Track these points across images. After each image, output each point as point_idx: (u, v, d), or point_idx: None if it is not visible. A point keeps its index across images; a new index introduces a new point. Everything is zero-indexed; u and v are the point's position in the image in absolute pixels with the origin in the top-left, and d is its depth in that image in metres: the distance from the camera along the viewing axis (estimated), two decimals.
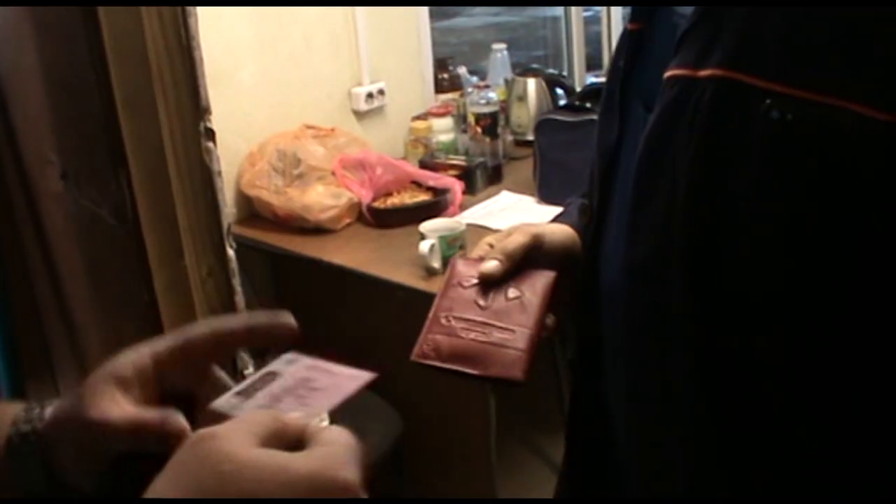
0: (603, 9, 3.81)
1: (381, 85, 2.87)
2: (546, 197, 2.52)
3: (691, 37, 0.84)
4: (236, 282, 1.16)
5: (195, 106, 1.16)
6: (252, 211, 2.58)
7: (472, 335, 0.96)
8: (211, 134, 1.18)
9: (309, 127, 2.65)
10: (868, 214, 0.74)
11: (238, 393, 0.64)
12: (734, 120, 0.78)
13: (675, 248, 0.83)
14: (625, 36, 1.00)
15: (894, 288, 0.76)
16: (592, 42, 3.92)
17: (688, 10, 0.87)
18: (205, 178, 1.16)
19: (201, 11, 1.03)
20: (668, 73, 0.86)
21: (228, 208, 2.42)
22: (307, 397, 0.63)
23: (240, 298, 1.11)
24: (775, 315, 0.80)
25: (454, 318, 0.98)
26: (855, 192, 0.74)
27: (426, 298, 2.07)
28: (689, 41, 0.84)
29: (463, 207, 2.54)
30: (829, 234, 0.76)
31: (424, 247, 2.14)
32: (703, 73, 0.81)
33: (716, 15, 0.82)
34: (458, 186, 2.54)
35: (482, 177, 2.69)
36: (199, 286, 1.17)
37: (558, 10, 3.90)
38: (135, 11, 1.02)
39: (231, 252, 1.12)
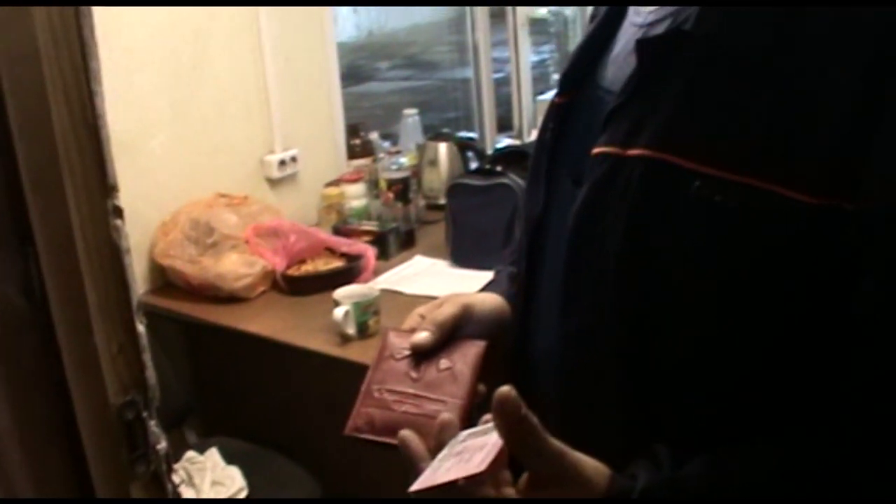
0: (513, 71, 3.90)
1: (293, 152, 2.90)
2: (459, 260, 2.56)
3: (620, 114, 0.88)
4: (147, 357, 1.17)
5: (102, 184, 1.17)
6: (166, 280, 2.57)
7: (405, 407, 0.96)
8: (119, 212, 1.20)
9: (222, 195, 2.65)
10: (792, 291, 0.78)
11: None
12: (663, 200, 0.82)
13: (607, 320, 0.86)
14: (552, 108, 1.04)
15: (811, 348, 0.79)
16: (503, 104, 4.00)
17: (614, 85, 0.92)
18: (113, 255, 1.17)
19: (111, 80, 1.05)
20: (596, 150, 0.89)
21: (141, 279, 2.46)
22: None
23: (151, 374, 1.12)
24: (702, 382, 0.83)
25: (387, 390, 0.98)
26: (779, 270, 0.78)
27: (342, 365, 2.09)
28: (618, 119, 0.88)
29: (377, 273, 2.56)
30: (754, 307, 0.80)
31: (339, 313, 2.16)
32: (633, 151, 0.84)
33: (646, 95, 0.86)
34: (371, 252, 2.57)
35: (395, 242, 2.72)
36: (110, 363, 1.18)
37: (469, 73, 3.97)
38: (41, 91, 1.04)
39: (141, 328, 1.13)
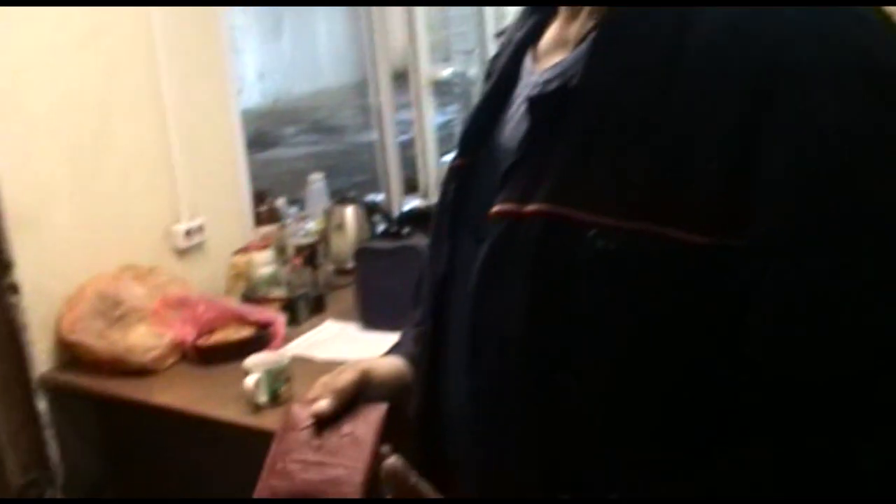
0: (417, 133, 3.95)
1: (200, 221, 2.89)
2: (370, 324, 2.57)
3: (516, 172, 0.91)
4: (49, 434, 1.16)
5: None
6: (74, 356, 2.52)
7: (308, 475, 0.97)
8: (14, 288, 1.19)
9: (128, 267, 2.63)
10: (693, 331, 0.80)
11: None
12: (562, 252, 0.84)
13: (514, 376, 0.88)
14: (452, 170, 1.06)
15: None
16: (410, 166, 4.04)
17: (510, 145, 0.94)
18: (10, 332, 1.16)
19: (10, 152, 1.05)
20: (494, 209, 0.92)
21: (47, 356, 2.42)
22: None
23: (54, 452, 1.12)
24: (613, 429, 0.84)
25: (290, 460, 0.99)
26: (679, 312, 0.80)
27: (254, 434, 2.08)
28: (515, 177, 0.91)
29: (287, 339, 2.55)
30: (658, 351, 0.81)
31: (250, 382, 2.15)
32: (530, 208, 0.87)
33: (538, 151, 0.89)
34: (280, 320, 2.57)
35: (305, 308, 2.72)
36: (10, 442, 1.16)
37: (375, 136, 4.01)
38: None
39: (42, 405, 1.13)
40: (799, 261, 0.76)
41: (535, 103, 0.92)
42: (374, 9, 3.81)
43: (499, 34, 1.14)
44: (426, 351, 1.07)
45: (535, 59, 1.01)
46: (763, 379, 0.78)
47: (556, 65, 0.95)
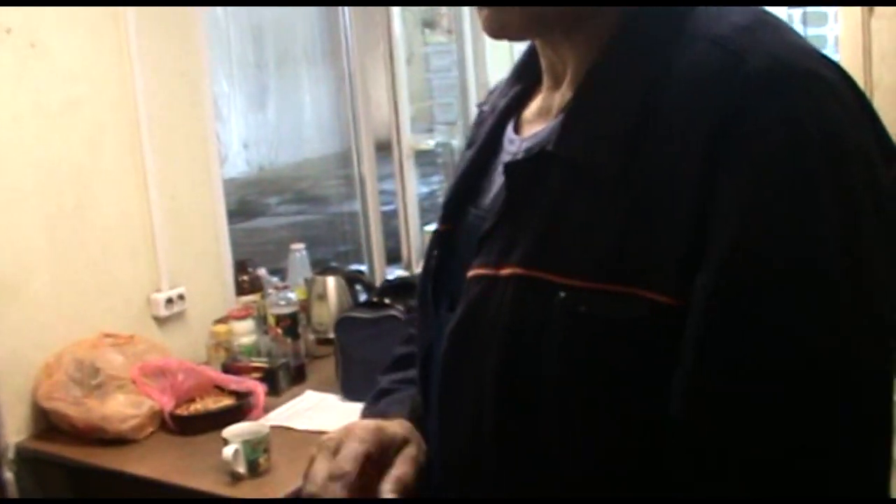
0: (399, 203, 3.97)
1: (180, 290, 2.89)
2: (350, 394, 2.57)
3: (492, 237, 0.93)
4: None
5: None
6: (50, 424, 2.51)
7: None
8: None
9: (107, 335, 2.62)
10: (656, 386, 0.82)
11: None
12: (534, 314, 0.86)
13: (486, 438, 0.90)
14: (436, 237, 1.09)
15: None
16: (393, 236, 4.06)
17: (489, 210, 0.96)
18: None
19: None
20: (471, 273, 0.94)
21: (23, 424, 2.40)
22: None
23: None
24: (580, 484, 0.86)
25: None
26: (652, 372, 0.82)
27: None
28: (491, 241, 0.93)
29: (267, 409, 2.54)
30: (630, 411, 0.83)
31: (228, 452, 2.14)
32: (505, 271, 0.89)
33: (514, 216, 0.92)
34: (260, 389, 2.56)
35: (285, 377, 2.72)
36: None
37: (357, 206, 4.04)
38: None
39: (9, 475, 1.13)
40: (710, 325, 0.79)
41: (510, 169, 0.95)
42: (359, 79, 3.86)
43: (482, 104, 1.16)
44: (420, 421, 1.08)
45: (519, 128, 1.03)
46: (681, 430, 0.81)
47: (536, 133, 0.98)
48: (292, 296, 2.90)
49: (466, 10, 4.50)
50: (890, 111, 1.33)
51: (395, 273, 3.79)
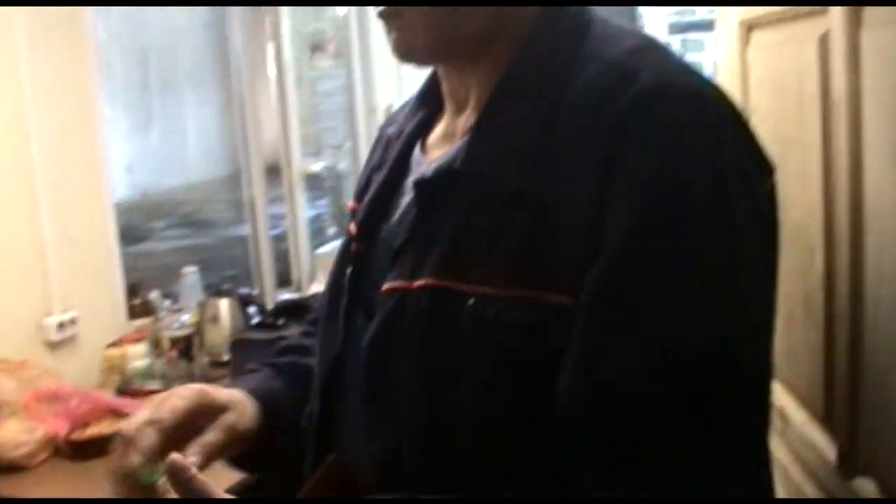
0: (289, 226, 4.00)
1: (73, 314, 2.86)
2: None
3: (405, 253, 0.99)
4: None
5: None
6: None
7: None
8: None
9: None
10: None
11: None
12: (446, 322, 0.92)
13: (407, 440, 0.95)
14: (348, 254, 1.13)
15: None
16: (282, 259, 4.08)
17: (400, 228, 1.03)
18: None
19: None
20: (385, 286, 0.99)
21: None
22: None
23: None
24: (496, 477, 0.91)
25: None
26: (552, 367, 0.87)
27: None
28: (403, 256, 0.99)
29: None
30: (535, 406, 0.88)
31: None
32: (417, 283, 0.95)
33: (424, 231, 0.98)
34: None
35: None
36: None
37: (246, 230, 4.04)
38: None
39: None
40: (602, 319, 0.85)
41: (420, 187, 1.01)
42: (248, 102, 3.87)
43: (384, 125, 1.23)
44: (317, 429, 1.13)
45: (425, 151, 1.10)
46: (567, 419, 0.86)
47: (442, 155, 1.04)
48: (185, 319, 2.90)
49: (355, 35, 4.57)
50: (764, 133, 1.44)
51: (286, 296, 3.81)
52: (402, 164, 1.11)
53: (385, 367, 0.98)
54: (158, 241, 4.89)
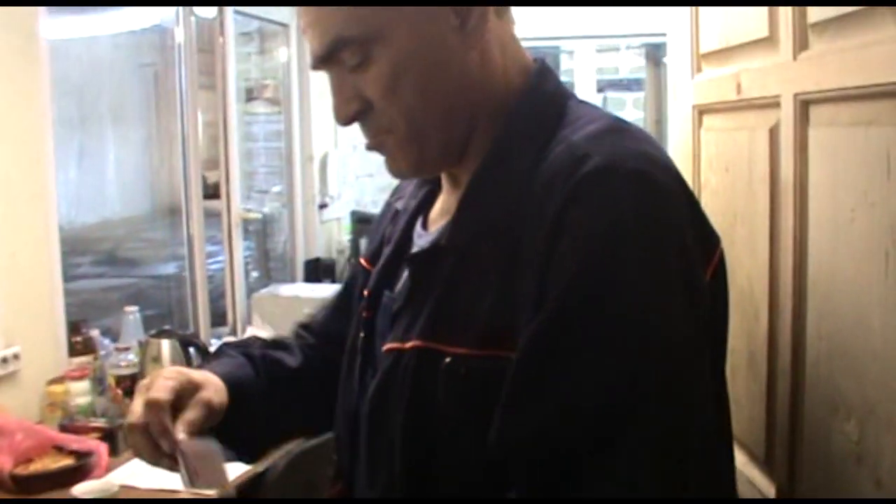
0: (227, 268, 4.09)
1: (16, 349, 2.93)
2: None
3: (400, 316, 1.17)
4: None
5: None
6: None
7: None
8: None
9: None
10: None
11: None
12: (429, 377, 1.09)
13: (400, 481, 1.12)
14: (360, 322, 1.31)
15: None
16: (215, 299, 4.18)
17: (398, 294, 1.21)
18: None
19: None
20: (385, 347, 1.18)
21: None
22: None
23: None
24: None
25: None
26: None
27: None
28: (399, 320, 1.17)
29: (109, 469, 2.61)
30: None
31: None
32: (409, 344, 1.12)
33: (416, 298, 1.15)
34: (103, 448, 2.62)
35: (125, 438, 2.79)
36: None
37: (170, 269, 4.12)
38: None
39: None
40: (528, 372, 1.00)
41: (412, 260, 1.20)
42: (191, 141, 3.99)
43: (391, 200, 1.43)
44: (343, 476, 1.30)
45: (426, 225, 1.28)
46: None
47: (437, 229, 1.22)
48: (132, 357, 2.99)
49: (295, 82, 4.72)
50: (715, 207, 1.65)
51: (226, 338, 3.91)
52: (406, 237, 1.29)
53: (383, 418, 1.15)
54: (92, 279, 4.93)
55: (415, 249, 1.23)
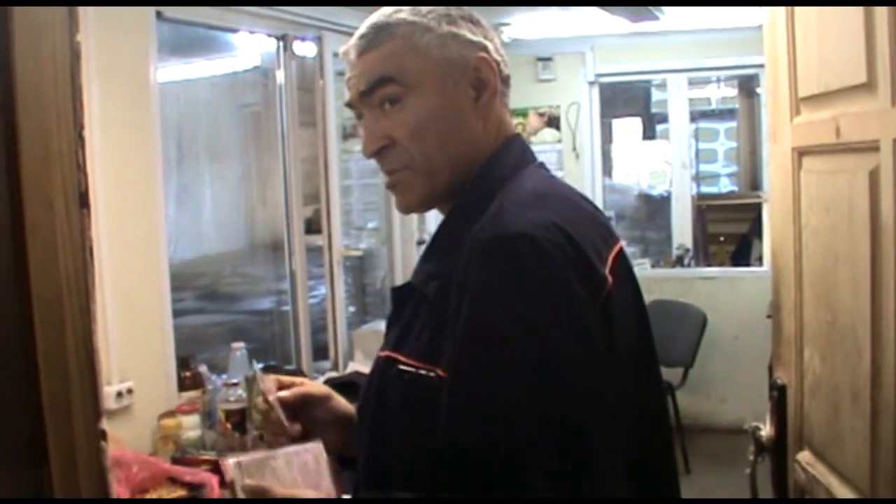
0: (329, 303, 4.22)
1: (129, 384, 3.11)
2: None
3: (387, 334, 1.50)
4: None
5: (95, 409, 1.45)
6: None
7: None
8: (104, 434, 1.47)
9: None
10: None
11: None
12: (390, 380, 1.40)
13: (370, 466, 1.46)
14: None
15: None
16: (313, 333, 4.32)
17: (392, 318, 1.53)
18: (101, 477, 1.45)
19: None
20: (378, 353, 1.49)
21: None
22: None
23: None
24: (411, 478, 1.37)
25: None
26: (436, 410, 1.29)
27: None
28: (386, 337, 1.50)
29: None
30: (427, 435, 1.31)
31: None
32: (383, 353, 1.45)
33: (396, 321, 1.48)
34: (215, 481, 2.78)
35: None
36: None
37: (265, 304, 4.26)
38: (60, 331, 1.35)
39: None
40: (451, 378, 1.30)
41: (393, 292, 1.55)
42: (292, 178, 4.15)
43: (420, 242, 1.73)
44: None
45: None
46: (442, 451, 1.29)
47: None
48: (241, 392, 3.14)
49: None
50: (815, 248, 1.73)
51: (328, 373, 4.04)
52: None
53: (361, 411, 1.51)
54: (198, 315, 5.11)
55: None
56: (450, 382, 1.30)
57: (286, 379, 1.67)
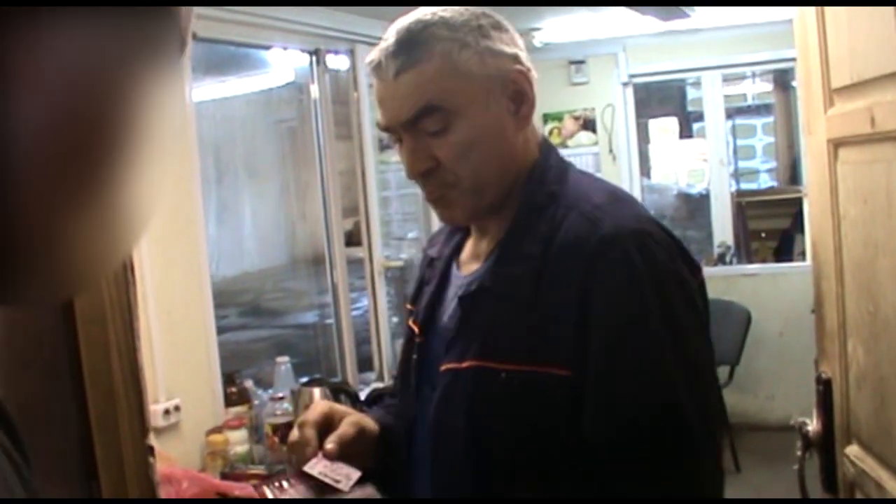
0: (371, 315, 4.25)
1: (176, 401, 3.14)
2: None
3: (455, 342, 1.49)
4: None
5: (142, 425, 1.48)
6: None
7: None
8: (152, 450, 1.49)
9: None
10: (559, 426, 1.39)
11: None
12: (486, 389, 1.41)
13: (463, 474, 1.44)
14: (413, 343, 1.62)
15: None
16: (357, 344, 4.35)
17: (449, 325, 1.52)
18: (149, 490, 1.47)
19: None
20: (443, 367, 1.48)
21: None
22: None
23: None
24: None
25: None
26: (554, 416, 1.38)
27: None
28: (454, 345, 1.48)
29: None
30: (546, 441, 1.39)
31: None
32: (465, 364, 1.44)
33: (468, 327, 1.47)
34: (266, 494, 2.79)
35: None
36: None
37: (309, 318, 4.29)
38: (105, 348, 1.37)
39: None
40: (602, 384, 1.37)
41: (463, 299, 1.50)
42: (331, 192, 4.18)
43: (427, 248, 1.76)
44: (402, 469, 1.60)
45: (459, 267, 1.61)
46: (593, 446, 1.37)
47: (473, 272, 1.55)
48: (288, 406, 3.17)
49: None
50: (855, 239, 1.72)
51: (374, 385, 4.06)
52: (444, 278, 1.62)
53: (445, 423, 1.47)
54: (242, 331, 5.15)
55: (461, 292, 1.53)
56: (597, 377, 1.36)
57: (337, 411, 1.59)
